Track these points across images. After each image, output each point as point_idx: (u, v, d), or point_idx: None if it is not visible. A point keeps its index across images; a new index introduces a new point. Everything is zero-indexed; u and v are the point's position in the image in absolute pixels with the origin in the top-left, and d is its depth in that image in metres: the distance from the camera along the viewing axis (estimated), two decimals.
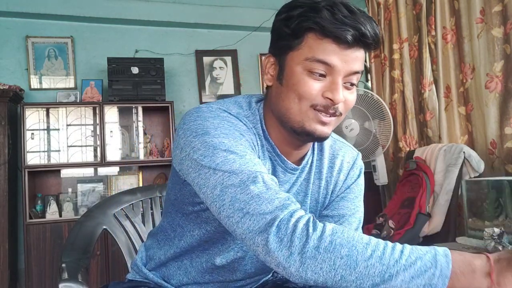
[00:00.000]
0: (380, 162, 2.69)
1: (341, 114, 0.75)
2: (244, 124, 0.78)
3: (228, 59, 3.76)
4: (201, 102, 3.64)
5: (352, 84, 0.75)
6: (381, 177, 2.70)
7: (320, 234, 0.60)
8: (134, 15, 3.43)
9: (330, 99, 0.72)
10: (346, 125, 2.61)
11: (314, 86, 0.72)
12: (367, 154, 2.64)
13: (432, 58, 2.49)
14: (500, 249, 1.45)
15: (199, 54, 3.70)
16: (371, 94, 2.59)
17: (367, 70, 3.73)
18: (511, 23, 1.97)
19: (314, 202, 0.88)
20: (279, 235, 0.61)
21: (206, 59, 3.72)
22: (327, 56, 0.70)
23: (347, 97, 0.74)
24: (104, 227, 1.13)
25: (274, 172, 0.82)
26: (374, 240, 0.60)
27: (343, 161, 0.90)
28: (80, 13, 3.32)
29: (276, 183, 0.69)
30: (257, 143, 0.79)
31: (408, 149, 2.74)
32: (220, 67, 3.75)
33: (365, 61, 3.76)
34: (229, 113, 0.77)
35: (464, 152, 2.06)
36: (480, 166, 2.04)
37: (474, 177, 2.03)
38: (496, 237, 1.46)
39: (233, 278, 0.89)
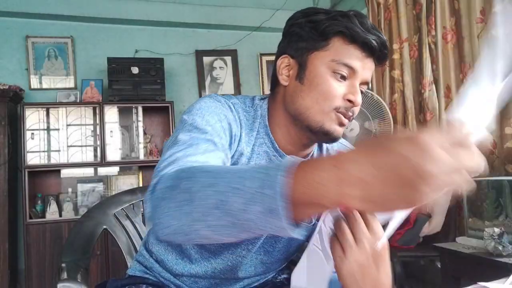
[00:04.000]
0: None
1: (353, 117, 0.80)
2: (238, 117, 0.80)
3: (228, 59, 3.76)
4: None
5: (361, 92, 0.79)
6: None
7: (174, 172, 0.55)
8: (134, 15, 3.43)
9: (351, 101, 0.76)
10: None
11: (338, 88, 0.76)
12: None
13: (432, 58, 2.49)
14: (500, 249, 1.45)
15: (199, 54, 3.70)
16: (371, 94, 2.59)
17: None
18: None
19: None
20: (151, 194, 0.55)
21: (206, 59, 3.72)
22: (353, 60, 0.75)
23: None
24: (104, 227, 1.13)
25: None
26: (225, 167, 0.56)
27: None
28: (80, 13, 3.32)
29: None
30: (251, 136, 0.82)
31: None
32: (220, 67, 3.75)
33: None
34: (227, 104, 0.80)
35: None
36: None
37: (474, 177, 2.03)
38: (496, 237, 1.46)
39: (234, 276, 0.89)
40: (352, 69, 0.75)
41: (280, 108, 0.82)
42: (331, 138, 0.79)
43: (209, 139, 0.69)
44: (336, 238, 0.59)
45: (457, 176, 0.41)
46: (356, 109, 0.78)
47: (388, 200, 0.40)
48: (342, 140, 0.95)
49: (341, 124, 0.78)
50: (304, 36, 0.78)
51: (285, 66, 0.81)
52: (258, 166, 0.47)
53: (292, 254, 0.93)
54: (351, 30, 0.74)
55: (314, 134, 0.79)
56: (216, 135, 0.71)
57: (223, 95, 0.83)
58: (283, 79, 0.82)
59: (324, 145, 0.93)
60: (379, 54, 0.77)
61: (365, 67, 0.76)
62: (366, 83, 0.78)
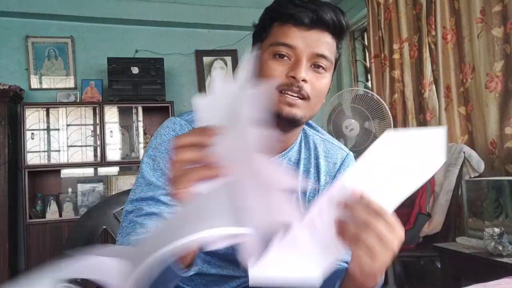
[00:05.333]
0: None
1: (309, 97, 0.76)
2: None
3: (228, 59, 3.76)
4: None
5: (319, 67, 0.77)
6: None
7: None
8: (134, 15, 3.43)
9: (292, 77, 0.74)
10: (346, 125, 2.61)
11: (277, 68, 0.75)
12: None
13: (432, 58, 2.49)
14: (500, 249, 1.45)
15: (199, 54, 3.70)
16: (371, 94, 2.59)
17: (367, 70, 3.73)
18: (511, 23, 1.97)
19: (302, 195, 0.88)
20: None
21: (206, 59, 3.72)
22: (288, 38, 0.75)
23: (314, 81, 0.76)
24: (104, 227, 1.13)
25: None
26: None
27: (329, 162, 0.90)
28: (80, 13, 3.32)
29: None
30: None
31: None
32: (220, 67, 3.75)
33: (365, 60, 3.76)
34: (181, 130, 0.82)
35: (464, 152, 2.06)
36: (480, 166, 2.04)
37: (474, 177, 2.03)
38: (496, 237, 1.46)
39: (232, 274, 0.89)
40: (290, 46, 0.75)
41: None
42: (283, 119, 0.77)
43: (157, 195, 0.77)
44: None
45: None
46: (308, 87, 0.76)
47: None
48: (327, 137, 0.94)
49: (288, 104, 0.75)
50: (255, 33, 0.83)
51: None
52: None
53: None
54: (280, 12, 0.76)
55: (273, 119, 0.77)
56: (165, 182, 0.77)
57: (187, 113, 0.85)
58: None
59: (310, 136, 0.91)
60: (322, 23, 0.75)
61: (308, 41, 0.75)
62: (320, 56, 0.76)
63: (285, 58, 0.76)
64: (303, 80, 0.74)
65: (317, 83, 0.77)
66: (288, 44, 0.75)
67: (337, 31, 0.77)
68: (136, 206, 0.77)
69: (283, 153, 0.87)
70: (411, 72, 2.74)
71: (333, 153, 0.92)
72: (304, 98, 0.76)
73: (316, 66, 0.77)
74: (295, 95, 0.75)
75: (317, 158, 0.90)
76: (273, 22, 0.78)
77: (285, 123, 0.78)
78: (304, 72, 0.74)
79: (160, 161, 0.79)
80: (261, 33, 0.80)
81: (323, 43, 0.76)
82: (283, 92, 0.75)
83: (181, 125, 0.83)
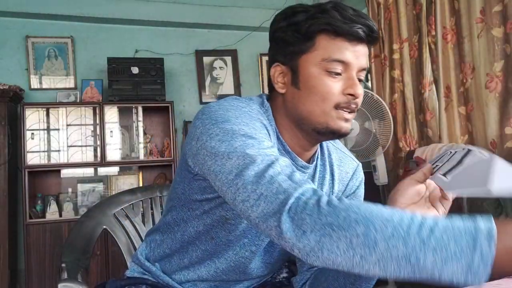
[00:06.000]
0: (380, 162, 2.69)
1: (357, 109, 0.79)
2: (262, 119, 0.79)
3: (228, 59, 3.76)
4: (201, 102, 3.64)
5: (360, 80, 0.78)
6: (381, 177, 2.70)
7: (333, 209, 0.55)
8: (134, 15, 3.43)
9: (352, 95, 0.75)
10: None
11: (335, 86, 0.75)
12: (367, 154, 2.64)
13: (432, 58, 2.49)
14: None
15: (199, 54, 3.70)
16: (371, 94, 2.59)
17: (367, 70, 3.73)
18: (511, 23, 1.97)
19: None
20: (290, 214, 0.57)
21: (206, 59, 3.72)
22: (342, 54, 0.74)
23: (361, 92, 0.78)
24: (104, 227, 1.13)
25: None
26: (397, 214, 0.53)
27: (342, 171, 0.92)
28: (80, 13, 3.32)
29: (293, 168, 0.67)
30: (271, 139, 0.80)
31: (408, 149, 2.74)
32: (220, 67, 3.75)
33: None
34: (250, 108, 0.78)
35: None
36: None
37: None
38: None
39: (236, 278, 0.89)
40: (344, 63, 0.75)
41: (283, 113, 0.82)
42: (339, 135, 0.79)
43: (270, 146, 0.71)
44: None
45: None
46: (359, 100, 0.77)
47: None
48: (339, 146, 0.95)
49: (345, 120, 0.77)
50: (289, 40, 0.77)
51: (279, 74, 0.80)
52: (459, 226, 0.50)
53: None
54: (333, 25, 0.73)
55: (321, 135, 0.79)
56: (269, 142, 0.72)
57: (232, 97, 0.81)
58: (279, 87, 0.81)
59: (324, 144, 0.92)
60: (368, 38, 0.76)
61: (358, 56, 0.76)
62: (363, 69, 0.78)
63: (338, 75, 0.75)
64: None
65: (361, 93, 0.78)
66: (343, 61, 0.74)
67: (376, 41, 0.79)
68: (270, 160, 0.65)
69: (312, 158, 0.88)
70: (411, 72, 2.74)
71: (345, 162, 0.93)
72: (355, 110, 0.78)
73: (359, 80, 0.78)
74: (350, 111, 0.77)
75: (331, 165, 0.91)
76: (320, 33, 0.74)
77: (338, 137, 0.80)
78: (360, 88, 0.76)
79: (253, 126, 0.72)
80: (301, 42, 0.76)
81: (366, 55, 0.78)
82: (340, 108, 0.76)
83: (244, 101, 0.79)
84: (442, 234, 0.50)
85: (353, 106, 0.76)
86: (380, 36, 0.82)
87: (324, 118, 0.76)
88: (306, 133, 0.80)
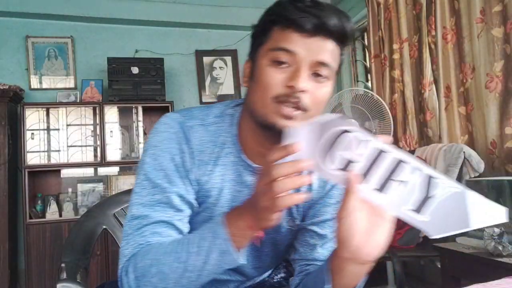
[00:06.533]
0: None
1: (307, 109, 0.70)
2: (190, 145, 0.79)
3: (228, 59, 3.76)
4: (201, 102, 3.65)
5: (320, 76, 0.71)
6: None
7: (134, 264, 0.72)
8: (134, 15, 3.44)
9: (291, 87, 0.69)
10: None
11: (276, 76, 0.70)
12: None
13: (432, 58, 2.49)
14: (500, 249, 1.45)
15: (199, 54, 3.70)
16: (371, 94, 2.59)
17: (367, 70, 3.73)
18: (511, 23, 1.97)
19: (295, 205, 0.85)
20: (123, 271, 0.75)
21: (206, 59, 3.72)
22: (289, 44, 0.69)
23: (314, 90, 0.70)
24: (104, 227, 1.13)
25: (241, 177, 0.81)
26: (174, 243, 0.70)
27: None
28: (80, 13, 3.33)
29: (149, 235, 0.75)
30: (211, 154, 0.80)
31: (408, 149, 2.74)
32: (220, 67, 3.75)
33: (365, 60, 3.76)
34: (182, 131, 0.79)
35: (464, 152, 2.06)
36: (480, 166, 2.04)
37: (474, 177, 2.03)
38: (496, 237, 1.46)
39: (232, 278, 0.89)
40: (290, 52, 0.69)
41: (246, 111, 0.79)
42: (278, 132, 0.67)
43: (164, 199, 0.76)
44: None
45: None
46: (307, 99, 0.70)
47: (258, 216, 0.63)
48: None
49: (284, 116, 0.69)
50: (254, 34, 0.77)
51: (247, 68, 0.79)
52: (204, 231, 0.70)
53: (283, 253, 0.92)
54: (282, 15, 0.70)
55: (266, 130, 0.73)
56: (170, 183, 0.77)
57: (185, 111, 0.84)
58: (244, 81, 0.80)
59: None
60: (326, 30, 0.69)
61: (310, 48, 0.69)
62: (321, 64, 0.70)
63: (285, 65, 0.70)
64: (302, 91, 0.69)
65: (318, 93, 0.71)
66: (288, 50, 0.69)
67: (341, 38, 0.72)
68: (143, 212, 0.75)
69: None
70: (411, 72, 2.74)
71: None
72: (302, 109, 0.70)
73: (317, 75, 0.71)
74: (293, 106, 0.69)
75: None
76: (273, 26, 0.72)
77: (276, 134, 0.69)
78: (304, 81, 0.69)
79: (162, 161, 0.77)
80: (261, 36, 0.74)
81: (326, 50, 0.70)
82: (280, 102, 0.70)
83: (181, 122, 0.80)
84: (198, 243, 0.69)
85: (294, 100, 0.69)
86: (349, 34, 0.74)
87: (264, 110, 0.71)
88: (259, 130, 0.75)
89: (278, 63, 0.70)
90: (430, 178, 0.55)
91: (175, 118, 0.81)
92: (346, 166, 0.57)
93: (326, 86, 0.72)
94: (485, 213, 0.53)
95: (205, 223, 0.73)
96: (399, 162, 0.55)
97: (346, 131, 0.56)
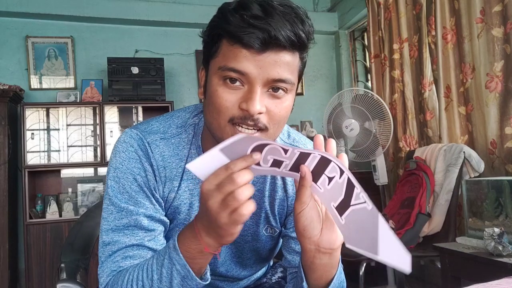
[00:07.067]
0: (380, 162, 2.69)
1: (267, 128, 0.66)
2: (152, 162, 0.75)
3: None
4: (200, 102, 3.65)
5: (278, 89, 0.65)
6: (381, 177, 2.70)
7: None
8: (134, 15, 3.43)
9: (246, 110, 0.63)
10: (346, 125, 2.61)
11: (229, 98, 0.64)
12: (367, 154, 2.64)
13: (432, 58, 2.49)
14: (500, 249, 1.45)
15: (199, 54, 3.70)
16: (371, 94, 2.59)
17: (367, 70, 3.73)
18: (511, 23, 1.97)
19: (270, 214, 0.83)
20: None
21: None
22: (239, 63, 0.63)
23: (271, 108, 0.65)
24: None
25: None
26: (139, 270, 0.68)
27: None
28: (80, 13, 3.33)
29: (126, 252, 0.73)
30: (178, 167, 0.76)
31: (408, 149, 2.74)
32: None
33: (365, 60, 3.76)
34: (143, 147, 0.75)
35: (464, 152, 2.06)
36: (480, 166, 2.04)
37: (474, 177, 2.03)
38: (496, 237, 1.46)
39: (221, 285, 0.89)
40: (242, 73, 0.63)
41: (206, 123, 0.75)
42: None
43: (132, 222, 0.73)
44: None
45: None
46: (265, 118, 0.65)
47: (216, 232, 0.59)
48: (300, 139, 0.88)
49: None
50: (204, 41, 0.70)
51: (202, 78, 0.73)
52: (161, 256, 0.67)
53: (267, 255, 0.90)
54: (228, 29, 0.63)
55: None
56: (136, 205, 0.74)
57: (144, 125, 0.79)
58: (199, 93, 0.74)
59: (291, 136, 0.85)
60: (277, 45, 0.62)
61: (262, 66, 0.62)
62: (278, 80, 0.64)
63: (238, 83, 0.64)
64: (259, 113, 0.64)
65: (276, 110, 0.66)
66: (238, 71, 0.63)
67: (297, 45, 0.64)
68: (113, 237, 0.73)
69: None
70: (411, 72, 2.74)
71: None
72: (261, 130, 0.65)
73: (274, 90, 0.65)
74: (251, 128, 0.65)
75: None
76: (222, 38, 0.65)
77: None
78: (258, 104, 0.63)
79: (125, 183, 0.74)
80: (211, 46, 0.67)
81: (281, 64, 0.63)
82: (236, 124, 0.65)
83: (139, 139, 0.75)
84: (161, 270, 0.66)
85: (251, 122, 0.64)
86: (306, 40, 0.67)
87: (220, 133, 0.66)
88: None
89: (230, 80, 0.64)
90: (349, 182, 0.57)
91: (133, 135, 0.76)
92: (279, 165, 0.58)
93: (286, 100, 0.67)
94: (393, 252, 0.52)
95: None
96: (328, 160, 0.57)
97: (267, 144, 0.55)
